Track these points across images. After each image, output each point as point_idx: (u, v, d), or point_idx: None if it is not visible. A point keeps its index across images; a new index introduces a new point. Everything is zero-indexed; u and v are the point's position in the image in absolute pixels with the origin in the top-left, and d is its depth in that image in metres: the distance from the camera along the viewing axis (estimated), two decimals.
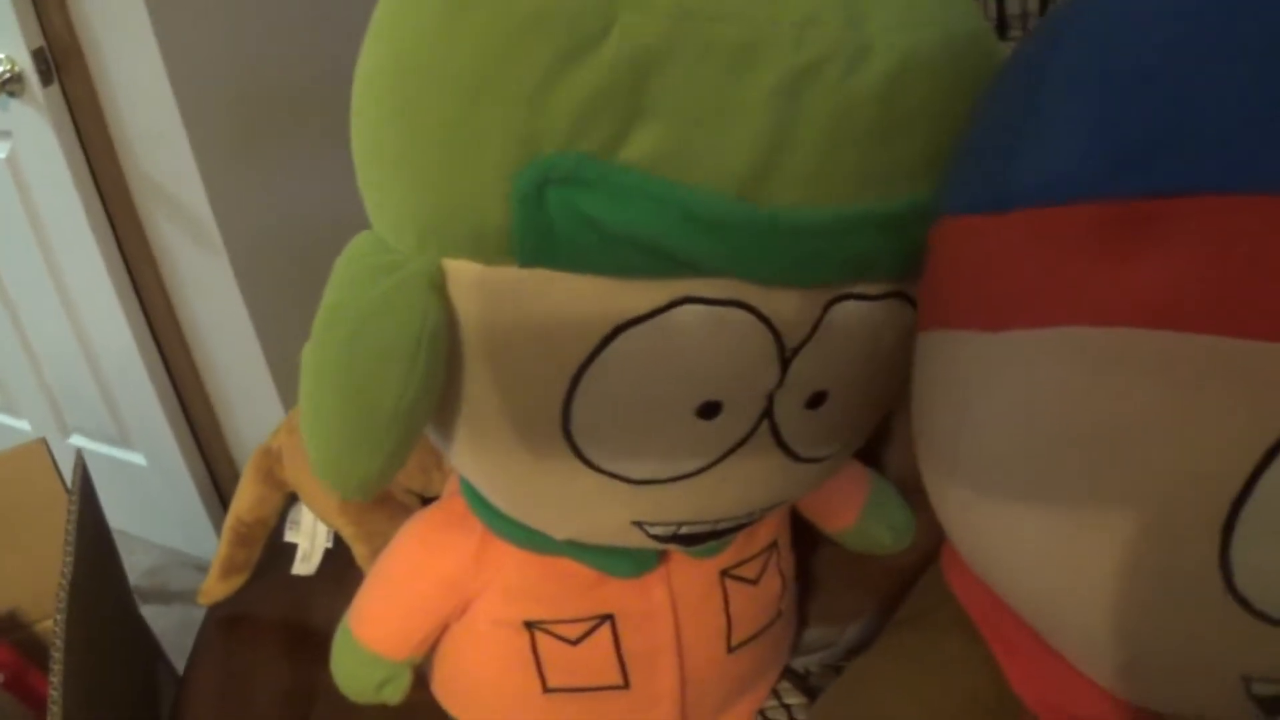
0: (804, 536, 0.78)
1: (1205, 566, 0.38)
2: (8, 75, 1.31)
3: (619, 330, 0.46)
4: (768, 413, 0.51)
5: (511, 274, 0.46)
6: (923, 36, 0.45)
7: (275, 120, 1.49)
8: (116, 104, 1.36)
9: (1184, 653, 0.42)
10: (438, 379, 0.49)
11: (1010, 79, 0.43)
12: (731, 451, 0.52)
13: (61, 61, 1.33)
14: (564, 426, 0.50)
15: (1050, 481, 0.40)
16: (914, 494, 0.70)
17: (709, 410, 0.50)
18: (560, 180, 0.43)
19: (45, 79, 1.32)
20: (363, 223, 0.53)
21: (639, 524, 0.56)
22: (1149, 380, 0.36)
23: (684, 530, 0.57)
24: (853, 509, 0.76)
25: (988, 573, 0.48)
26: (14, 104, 1.36)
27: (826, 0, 0.43)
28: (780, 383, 0.50)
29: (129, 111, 1.37)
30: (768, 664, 0.75)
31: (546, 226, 0.44)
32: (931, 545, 0.62)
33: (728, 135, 0.43)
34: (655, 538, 0.57)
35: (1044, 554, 0.42)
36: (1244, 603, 0.38)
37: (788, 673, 0.78)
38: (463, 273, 0.47)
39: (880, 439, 0.78)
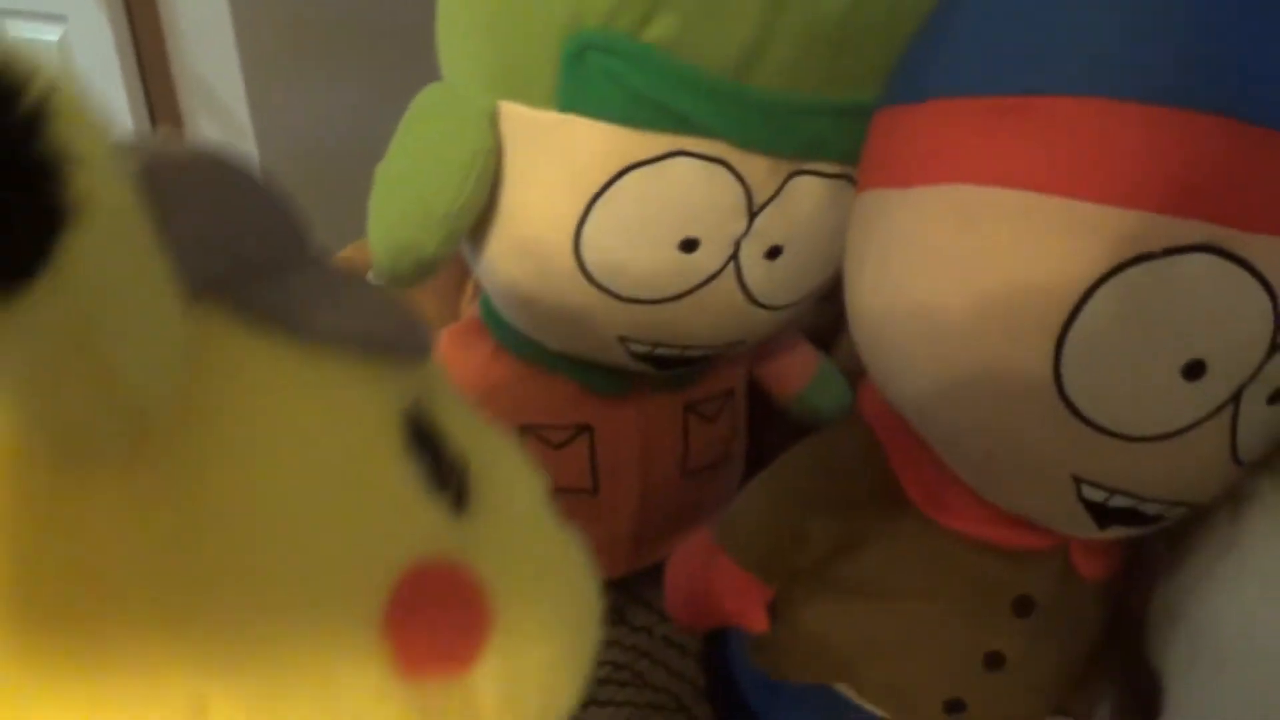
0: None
1: (1041, 372, 0.49)
2: None
3: (627, 169, 0.60)
4: (734, 257, 0.64)
5: (551, 116, 0.60)
6: None
7: (322, 32, 1.53)
8: None
9: (1023, 449, 0.54)
10: (483, 193, 0.62)
11: (938, 8, 0.57)
12: (703, 284, 0.65)
13: None
14: (575, 244, 0.62)
15: (931, 301, 0.53)
16: (854, 379, 0.83)
17: (689, 245, 0.62)
18: (598, 48, 0.57)
19: None
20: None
21: (622, 339, 0.68)
22: (1006, 226, 0.49)
23: (659, 351, 0.69)
24: (802, 380, 0.88)
25: (886, 386, 0.60)
26: None
27: None
28: (747, 232, 0.63)
29: (182, 2, 1.40)
30: (714, 500, 0.88)
31: (584, 81, 0.58)
32: None
33: (726, 29, 0.56)
34: (634, 355, 0.69)
35: (924, 361, 0.55)
36: (1072, 408, 0.50)
37: None
38: (513, 112, 0.61)
39: (831, 332, 0.92)
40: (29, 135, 0.21)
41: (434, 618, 0.33)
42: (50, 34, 1.46)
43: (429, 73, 0.66)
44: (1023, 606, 0.63)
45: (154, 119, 1.50)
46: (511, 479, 0.40)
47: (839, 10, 0.57)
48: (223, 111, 1.46)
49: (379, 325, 0.35)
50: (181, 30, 1.43)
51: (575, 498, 0.80)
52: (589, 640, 0.41)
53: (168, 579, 0.29)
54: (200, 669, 0.29)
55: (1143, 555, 0.67)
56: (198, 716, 0.28)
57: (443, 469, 0.36)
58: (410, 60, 0.83)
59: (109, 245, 0.24)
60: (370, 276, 0.65)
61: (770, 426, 0.92)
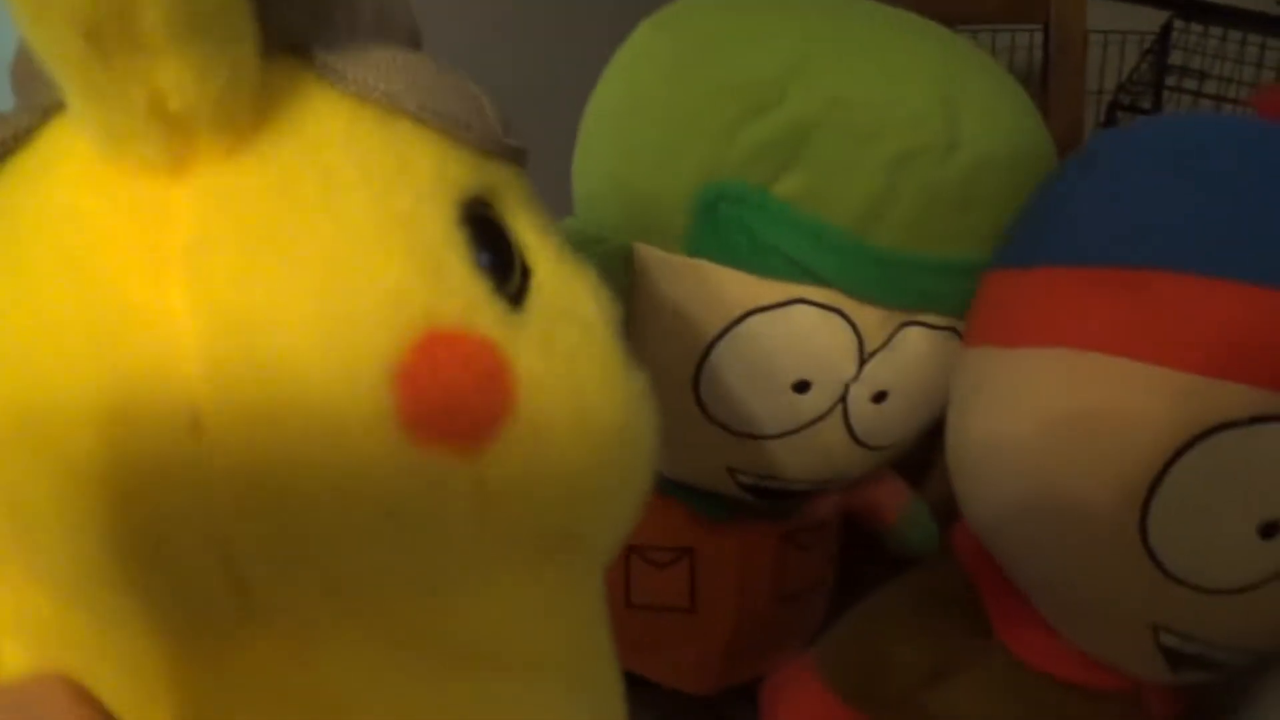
0: None
1: (1129, 526, 0.53)
2: None
3: (749, 314, 0.64)
4: (843, 399, 0.68)
5: (681, 260, 0.64)
6: (999, 143, 0.62)
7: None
8: None
9: (1108, 596, 0.57)
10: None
11: (1049, 182, 0.62)
12: (812, 424, 0.68)
13: None
14: (694, 380, 0.66)
15: (1028, 457, 0.57)
16: (941, 514, 0.86)
17: (801, 387, 0.66)
18: (731, 199, 0.62)
19: None
20: None
21: (731, 470, 0.71)
22: (1105, 389, 0.53)
23: (765, 484, 0.72)
24: (893, 513, 0.91)
25: (980, 528, 0.64)
26: None
27: (933, 105, 0.60)
28: (856, 377, 0.67)
29: None
30: (805, 624, 0.90)
31: (714, 229, 0.62)
32: None
33: (852, 188, 0.61)
34: (741, 485, 0.73)
35: (1019, 509, 0.58)
36: (1155, 560, 0.53)
37: None
38: (645, 253, 0.65)
39: (922, 471, 0.95)
40: None
41: (451, 383, 0.31)
42: None
43: None
44: None
45: None
46: (578, 301, 0.38)
47: (959, 175, 0.61)
48: None
49: (443, 100, 0.35)
50: None
51: (673, 615, 0.83)
52: (619, 468, 0.40)
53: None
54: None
55: (1209, 697, 0.69)
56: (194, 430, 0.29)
57: (503, 265, 0.35)
58: None
59: None
60: None
61: (861, 556, 0.95)
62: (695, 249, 0.64)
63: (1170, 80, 1.43)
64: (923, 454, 0.85)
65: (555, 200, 0.69)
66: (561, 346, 0.35)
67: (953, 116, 0.61)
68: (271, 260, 0.30)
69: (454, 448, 0.32)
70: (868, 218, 0.61)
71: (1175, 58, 1.42)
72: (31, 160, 0.32)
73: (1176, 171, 0.55)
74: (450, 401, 0.31)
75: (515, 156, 0.38)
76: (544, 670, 0.39)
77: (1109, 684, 0.64)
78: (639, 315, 0.67)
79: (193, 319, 0.29)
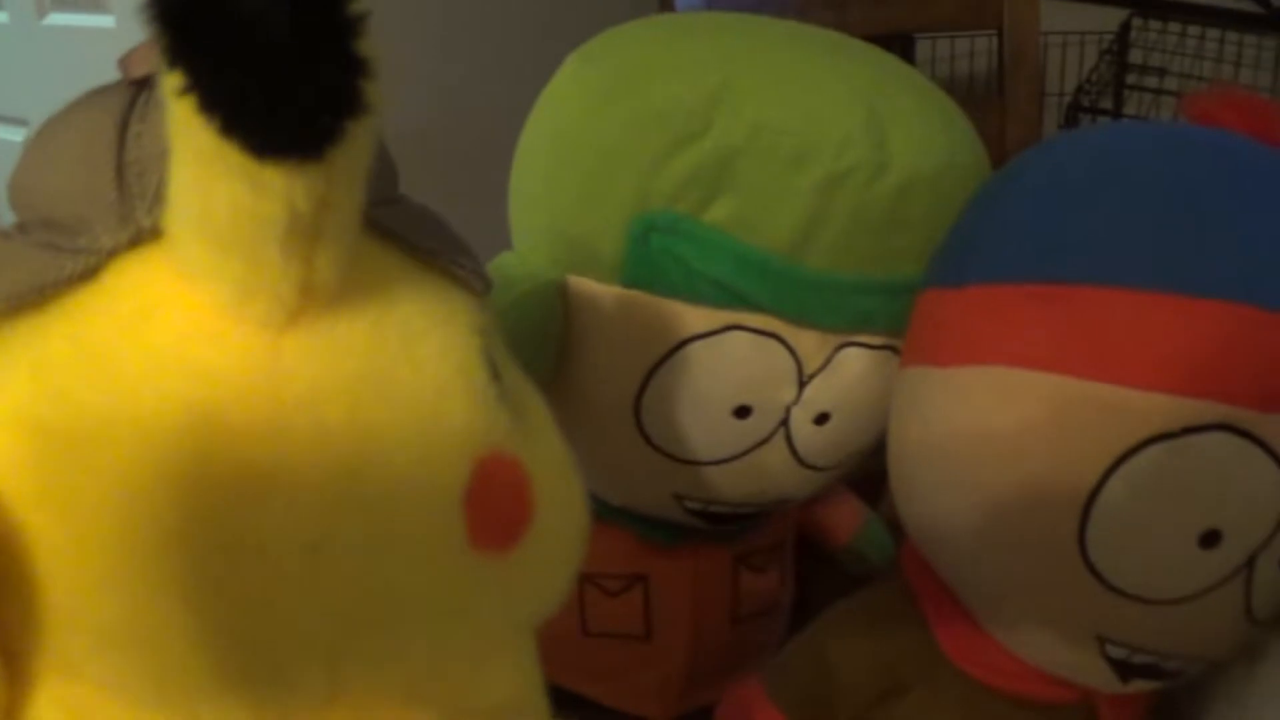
0: None
1: (1068, 540, 0.53)
2: None
3: (685, 342, 0.64)
4: (784, 422, 0.68)
5: (616, 291, 0.64)
6: (928, 161, 0.63)
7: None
8: None
9: (1052, 610, 0.57)
10: (551, 364, 0.67)
11: (978, 198, 0.62)
12: (755, 448, 0.68)
13: None
14: (635, 409, 0.66)
15: (966, 475, 0.57)
16: (898, 531, 0.86)
17: (742, 412, 0.66)
18: (662, 229, 0.62)
19: None
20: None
21: (678, 497, 0.71)
22: (1038, 406, 0.53)
23: (712, 509, 0.72)
24: (848, 532, 0.92)
25: (923, 545, 0.64)
26: None
27: (860, 127, 0.60)
28: (797, 400, 0.67)
29: None
30: (762, 646, 0.90)
31: (647, 260, 0.62)
32: None
33: (781, 213, 0.61)
34: (688, 511, 0.72)
35: (960, 526, 0.58)
36: (1095, 573, 0.53)
37: None
38: (580, 286, 0.65)
39: (877, 484, 0.95)
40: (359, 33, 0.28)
41: (503, 499, 0.39)
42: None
43: None
44: None
45: None
46: (537, 406, 0.45)
47: (889, 195, 0.61)
48: None
49: (462, 253, 0.42)
50: None
51: (629, 642, 0.83)
52: (584, 532, 0.46)
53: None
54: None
55: (1164, 705, 0.69)
56: None
57: (503, 388, 0.40)
58: None
59: (363, 146, 0.31)
60: None
61: (817, 575, 0.95)
62: (629, 280, 0.64)
63: (1130, 79, 1.44)
64: (877, 467, 0.86)
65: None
66: (544, 453, 0.42)
67: (880, 137, 0.61)
68: (372, 408, 0.35)
69: (499, 551, 0.39)
70: (799, 242, 0.62)
71: (1135, 56, 1.44)
72: (112, 302, 0.35)
73: (1099, 184, 0.56)
74: (503, 515, 0.39)
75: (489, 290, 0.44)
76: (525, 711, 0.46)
77: (1059, 696, 0.64)
78: (576, 347, 0.67)
79: (311, 469, 0.34)
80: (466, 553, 0.37)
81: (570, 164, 0.65)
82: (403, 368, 0.36)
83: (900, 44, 1.40)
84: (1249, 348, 0.50)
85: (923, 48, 1.51)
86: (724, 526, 0.77)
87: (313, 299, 0.34)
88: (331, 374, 0.35)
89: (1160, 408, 0.50)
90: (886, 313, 0.65)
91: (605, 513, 0.78)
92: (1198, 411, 0.50)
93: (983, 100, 1.28)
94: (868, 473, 0.90)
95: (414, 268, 0.39)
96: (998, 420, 0.55)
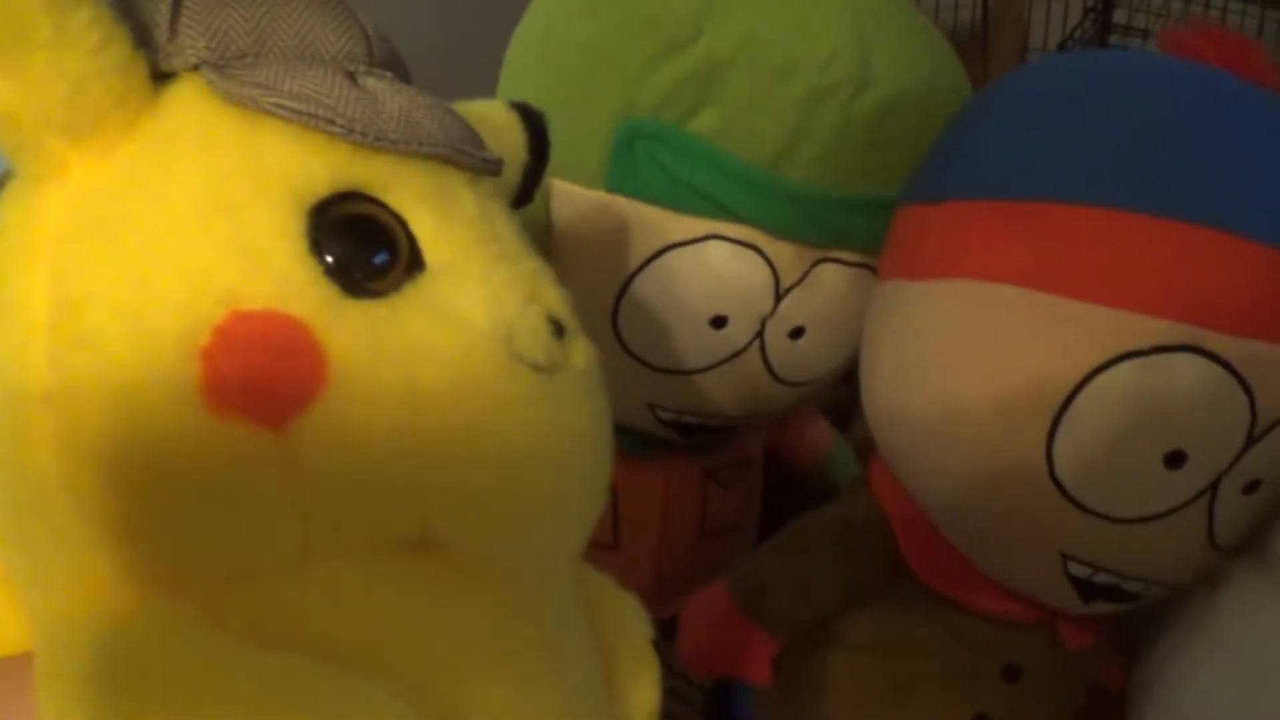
0: None
1: (1035, 455, 0.54)
2: None
3: (666, 249, 0.65)
4: (760, 335, 0.69)
5: (599, 196, 0.65)
6: (911, 82, 0.64)
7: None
8: None
9: (1016, 525, 0.58)
10: None
11: (958, 118, 0.63)
12: (730, 359, 0.69)
13: None
14: (613, 315, 0.67)
15: (939, 386, 0.58)
16: (865, 455, 0.87)
17: (719, 322, 0.67)
18: (646, 136, 0.62)
19: None
20: None
21: (651, 405, 0.73)
22: (1009, 320, 0.54)
23: (685, 419, 0.74)
24: (816, 452, 0.93)
25: (892, 462, 0.65)
26: None
27: (847, 43, 0.61)
28: (772, 313, 0.68)
29: None
30: (727, 564, 0.91)
31: (631, 166, 0.63)
32: None
33: (765, 124, 0.62)
34: (661, 420, 0.74)
35: (929, 441, 0.60)
36: (1061, 489, 0.54)
37: None
38: (564, 190, 0.66)
39: (847, 413, 0.97)
40: None
41: (251, 359, 0.33)
42: None
43: None
44: (1011, 673, 0.67)
45: None
46: (460, 301, 0.37)
47: (871, 112, 0.62)
48: None
49: (320, 101, 0.36)
50: None
51: (596, 552, 0.83)
52: (470, 472, 0.38)
53: None
54: None
55: (1123, 630, 0.70)
56: None
57: (365, 255, 0.36)
58: None
59: None
60: None
61: (784, 497, 0.96)
62: (613, 185, 0.65)
63: (1114, 39, 1.43)
64: (849, 396, 0.87)
65: None
66: (410, 337, 0.36)
67: (865, 55, 0.62)
68: (105, 248, 0.33)
69: (257, 422, 0.33)
70: (781, 154, 0.63)
71: (1119, 16, 1.43)
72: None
73: (1075, 104, 0.57)
74: (249, 377, 0.33)
75: (446, 155, 0.39)
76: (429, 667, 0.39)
77: (1021, 614, 0.65)
78: (557, 250, 0.67)
79: (45, 309, 0.33)
80: (207, 418, 0.32)
81: (559, 66, 0.66)
82: (150, 209, 0.34)
83: None
84: (1219, 271, 0.51)
85: None
86: (695, 438, 0.78)
87: (71, 150, 0.34)
88: (77, 219, 0.34)
89: (1130, 325, 0.51)
90: (865, 229, 0.66)
91: None
92: (1167, 331, 0.51)
93: (966, 53, 1.28)
94: (838, 402, 0.92)
95: (231, 117, 0.36)
96: (968, 334, 0.56)
